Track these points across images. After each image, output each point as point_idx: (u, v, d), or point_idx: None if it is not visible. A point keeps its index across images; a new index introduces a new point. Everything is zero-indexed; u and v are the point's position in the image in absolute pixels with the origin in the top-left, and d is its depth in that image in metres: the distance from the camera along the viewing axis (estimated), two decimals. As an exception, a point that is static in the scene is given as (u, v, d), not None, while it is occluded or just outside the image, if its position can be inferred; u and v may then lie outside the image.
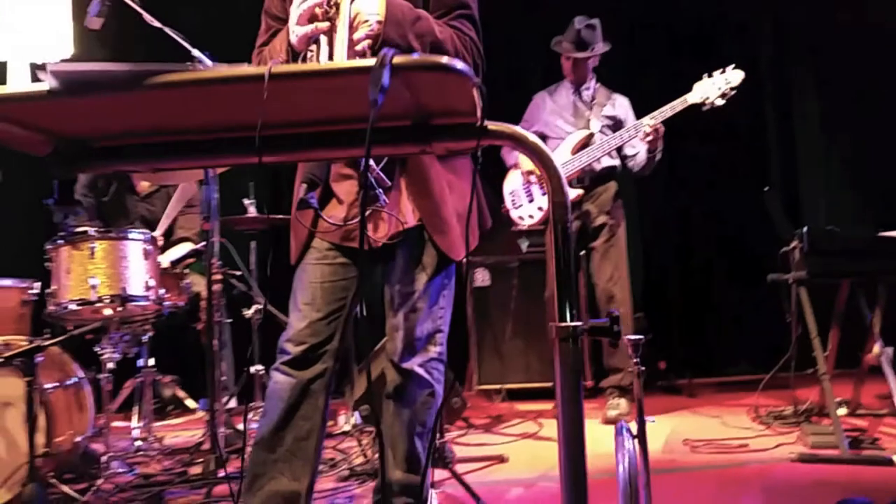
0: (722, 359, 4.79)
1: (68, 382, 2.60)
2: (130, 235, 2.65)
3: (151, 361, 3.29)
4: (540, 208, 3.89)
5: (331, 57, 1.68)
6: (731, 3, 5.12)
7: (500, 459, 2.89)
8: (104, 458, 2.59)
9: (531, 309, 4.18)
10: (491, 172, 4.10)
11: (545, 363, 4.11)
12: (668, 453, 2.95)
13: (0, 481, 2.29)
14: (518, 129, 1.09)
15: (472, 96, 1.00)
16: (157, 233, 3.26)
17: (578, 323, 1.07)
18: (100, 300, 2.51)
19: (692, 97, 3.49)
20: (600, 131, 3.81)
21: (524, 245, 3.00)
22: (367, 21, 1.67)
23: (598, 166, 3.80)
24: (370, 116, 0.81)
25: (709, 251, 5.02)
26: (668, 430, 3.38)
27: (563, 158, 3.81)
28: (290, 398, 1.89)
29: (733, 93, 3.44)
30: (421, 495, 1.92)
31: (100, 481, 2.46)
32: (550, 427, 3.60)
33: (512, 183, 4.00)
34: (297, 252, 1.96)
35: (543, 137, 3.96)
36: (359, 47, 1.68)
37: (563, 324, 1.06)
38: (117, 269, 2.55)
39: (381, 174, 1.72)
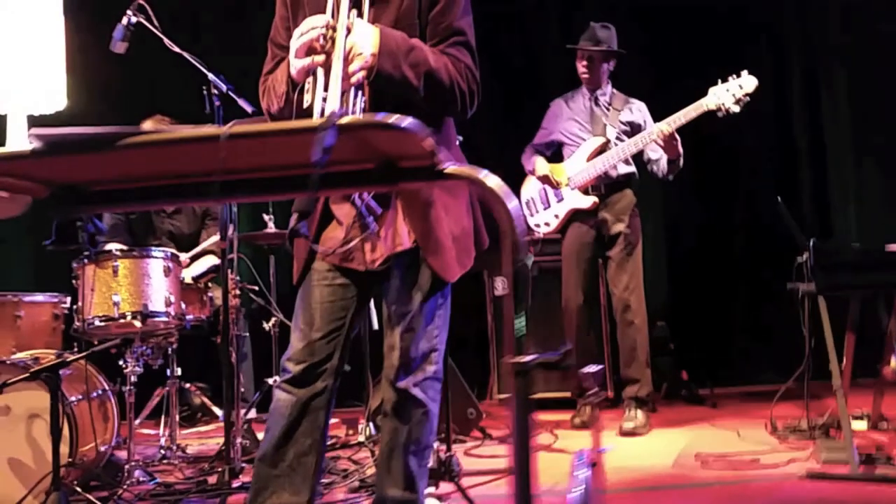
0: (747, 368, 4.74)
1: (93, 395, 2.72)
2: (152, 254, 2.76)
3: (179, 371, 3.41)
4: (556, 216, 3.92)
5: (326, 89, 1.75)
6: (758, 7, 5.07)
7: (509, 472, 2.93)
8: (127, 467, 2.71)
9: (550, 317, 4.19)
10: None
11: (565, 373, 4.12)
12: (679, 468, 2.96)
13: (27, 489, 2.42)
14: (475, 171, 1.14)
15: (424, 145, 1.05)
16: (187, 256, 3.39)
17: (530, 358, 1.12)
18: (122, 316, 2.63)
19: (707, 103, 3.48)
20: (616, 137, 3.82)
21: (528, 261, 3.03)
22: (361, 54, 1.74)
23: (613, 173, 3.81)
24: (313, 175, 0.87)
25: (734, 259, 4.98)
26: (683, 443, 3.38)
27: (579, 166, 3.83)
28: (290, 415, 1.97)
29: (748, 99, 3.42)
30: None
31: (120, 490, 2.58)
32: (565, 439, 3.63)
33: (529, 190, 4.04)
34: (298, 273, 2.04)
35: (560, 145, 3.99)
36: (353, 79, 1.74)
37: (516, 359, 1.11)
38: (139, 287, 2.67)
39: (373, 202, 1.78)
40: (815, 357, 3.29)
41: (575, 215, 3.86)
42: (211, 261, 3.43)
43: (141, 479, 2.78)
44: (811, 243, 2.47)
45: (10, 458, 2.47)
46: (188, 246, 3.61)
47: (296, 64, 1.76)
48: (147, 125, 3.54)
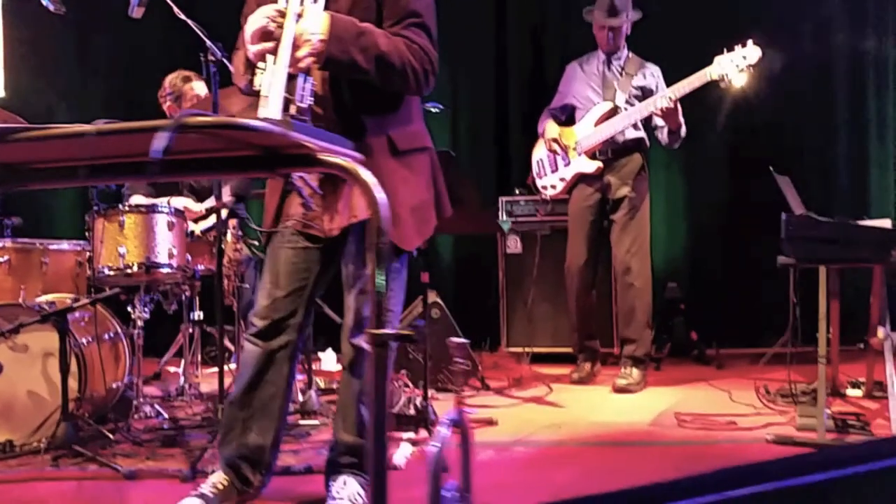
0: (759, 331, 4.71)
1: (105, 337, 2.98)
2: (158, 209, 2.97)
3: (200, 315, 3.67)
4: (562, 179, 3.96)
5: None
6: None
7: (489, 422, 3.08)
8: (135, 403, 2.98)
9: (560, 276, 4.26)
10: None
11: (571, 328, 4.21)
12: (654, 426, 3.05)
13: (42, 420, 2.71)
14: (346, 160, 1.25)
15: (289, 138, 1.16)
16: (204, 206, 3.60)
17: (389, 331, 1.23)
18: (128, 267, 2.85)
19: (710, 73, 3.44)
20: (626, 102, 3.81)
21: (506, 226, 3.08)
22: (309, 40, 1.83)
23: (621, 138, 3.81)
24: (151, 165, 1.00)
25: (754, 224, 4.89)
26: (669, 401, 3.46)
27: (587, 130, 3.85)
28: (256, 365, 2.16)
29: (751, 70, 3.36)
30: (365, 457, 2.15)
31: (122, 423, 2.85)
32: (559, 392, 3.75)
33: (539, 152, 4.08)
34: (266, 236, 2.20)
35: (573, 109, 3.99)
36: (302, 65, 1.84)
37: (376, 331, 1.23)
38: (143, 240, 2.88)
39: (312, 183, 1.92)
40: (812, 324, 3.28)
41: (581, 178, 3.89)
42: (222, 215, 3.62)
43: (150, 414, 3.06)
44: (784, 217, 2.47)
45: (28, 391, 2.75)
46: (208, 198, 3.81)
47: (250, 49, 1.88)
48: (170, 79, 3.74)
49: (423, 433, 2.85)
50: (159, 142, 0.99)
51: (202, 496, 2.10)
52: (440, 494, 1.34)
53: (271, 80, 1.77)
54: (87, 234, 2.98)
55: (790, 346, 3.16)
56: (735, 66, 3.36)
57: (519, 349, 4.47)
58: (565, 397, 3.62)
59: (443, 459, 1.35)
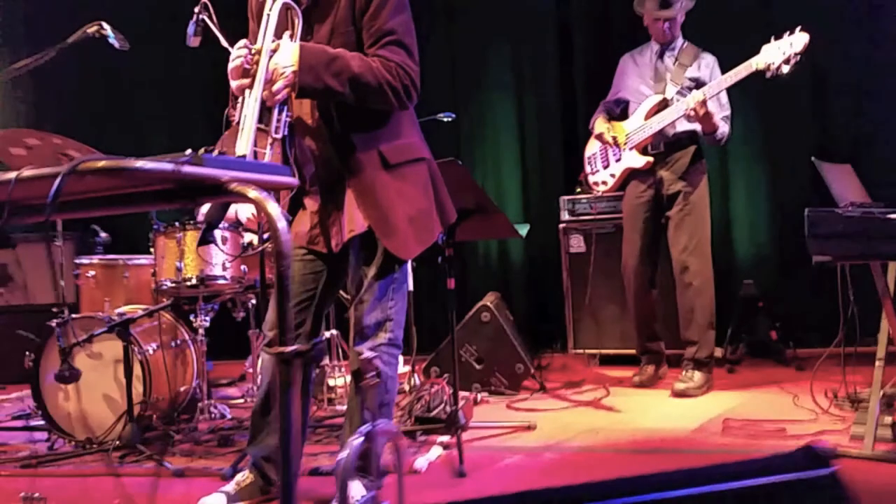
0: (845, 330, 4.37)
1: (172, 344, 3.27)
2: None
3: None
4: (612, 175, 3.88)
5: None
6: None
7: (528, 427, 3.09)
8: (200, 406, 3.24)
9: (619, 274, 4.16)
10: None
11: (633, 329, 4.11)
12: (696, 432, 2.94)
13: (115, 420, 3.01)
14: (252, 188, 1.35)
15: (181, 174, 1.28)
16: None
17: (293, 348, 1.32)
18: (185, 280, 3.12)
19: (756, 62, 3.25)
20: (679, 93, 3.67)
21: (523, 231, 3.04)
22: (283, 73, 1.96)
23: (671, 131, 3.68)
24: (47, 207, 1.14)
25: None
26: (726, 406, 3.32)
27: (637, 124, 3.75)
28: (273, 374, 2.32)
29: (798, 58, 3.15)
30: (370, 460, 2.24)
31: (185, 425, 3.11)
32: (616, 395, 3.68)
33: (591, 148, 4.03)
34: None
35: (627, 103, 3.90)
36: (279, 97, 1.98)
37: (280, 349, 1.32)
38: (199, 254, 3.14)
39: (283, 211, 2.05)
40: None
41: (633, 174, 3.80)
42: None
43: (216, 415, 3.32)
44: (806, 212, 2.33)
45: (103, 394, 3.07)
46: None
47: (231, 83, 2.03)
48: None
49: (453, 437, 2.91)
50: (54, 186, 1.14)
51: (225, 493, 2.29)
52: (346, 501, 1.41)
53: (246, 113, 1.91)
54: (150, 250, 3.28)
55: (843, 346, 2.95)
56: (781, 54, 3.16)
57: (584, 351, 4.42)
58: (620, 401, 3.56)
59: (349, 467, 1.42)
